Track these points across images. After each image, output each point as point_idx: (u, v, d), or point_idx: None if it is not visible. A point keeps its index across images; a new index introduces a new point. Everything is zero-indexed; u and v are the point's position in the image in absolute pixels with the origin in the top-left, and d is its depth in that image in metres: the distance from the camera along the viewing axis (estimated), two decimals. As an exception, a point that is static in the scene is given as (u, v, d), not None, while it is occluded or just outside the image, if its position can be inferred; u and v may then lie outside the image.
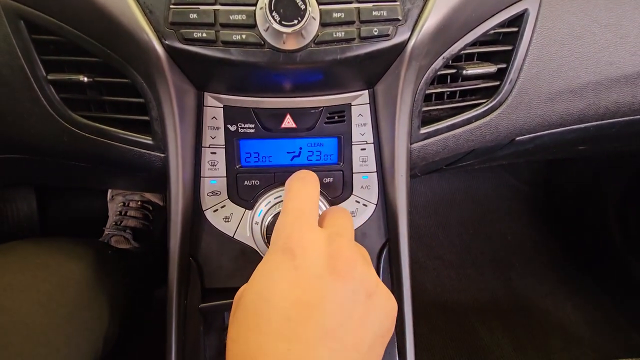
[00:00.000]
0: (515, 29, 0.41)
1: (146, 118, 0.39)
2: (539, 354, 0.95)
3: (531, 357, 0.95)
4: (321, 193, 0.43)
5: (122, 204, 1.01)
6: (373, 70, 0.35)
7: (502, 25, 0.41)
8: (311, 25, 0.29)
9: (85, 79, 0.37)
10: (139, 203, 1.02)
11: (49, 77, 0.37)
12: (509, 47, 0.42)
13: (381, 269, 0.46)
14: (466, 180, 1.23)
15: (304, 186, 0.32)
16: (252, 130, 0.40)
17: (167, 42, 0.30)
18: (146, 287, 0.75)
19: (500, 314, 1.03)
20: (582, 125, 0.50)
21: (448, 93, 0.44)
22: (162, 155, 0.40)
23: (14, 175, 0.59)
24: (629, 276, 1.03)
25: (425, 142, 0.43)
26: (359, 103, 0.40)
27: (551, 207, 1.20)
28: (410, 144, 0.41)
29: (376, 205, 0.44)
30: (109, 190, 1.04)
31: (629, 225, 1.04)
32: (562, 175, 1.19)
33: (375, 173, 0.43)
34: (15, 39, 0.36)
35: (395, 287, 0.45)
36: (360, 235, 0.45)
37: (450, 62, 0.41)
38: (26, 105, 0.39)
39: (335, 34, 0.30)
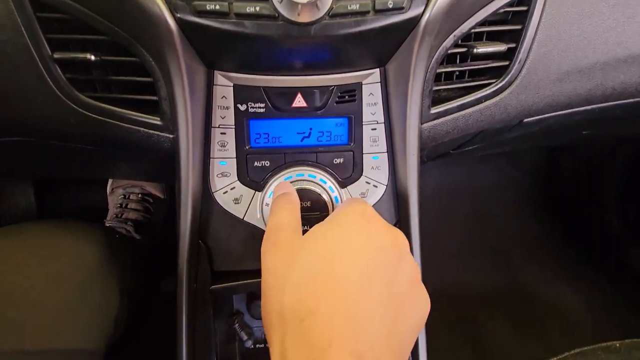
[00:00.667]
0: (524, 8, 0.41)
1: (154, 98, 0.38)
2: (539, 340, 0.96)
3: (532, 342, 0.96)
4: (331, 174, 0.43)
5: (122, 196, 1.00)
6: (386, 47, 0.35)
7: (511, 4, 0.41)
8: (326, -3, 0.29)
9: (93, 57, 0.36)
10: (140, 195, 1.01)
11: (54, 56, 0.36)
12: (518, 27, 0.42)
13: (391, 251, 0.45)
14: (467, 172, 1.24)
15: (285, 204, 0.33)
16: (262, 110, 0.39)
17: (179, 15, 0.30)
18: (152, 276, 0.74)
19: (501, 302, 1.04)
20: (589, 107, 0.50)
21: (457, 73, 0.44)
22: (171, 136, 0.40)
23: (14, 163, 0.58)
24: (628, 262, 1.04)
25: (436, 122, 0.43)
26: (370, 82, 0.39)
27: (551, 197, 1.21)
28: (421, 123, 0.41)
29: (386, 186, 0.44)
30: (109, 183, 1.03)
31: (627, 212, 1.05)
32: (561, 166, 1.20)
33: (386, 153, 0.43)
34: (19, 16, 0.35)
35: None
36: (370, 217, 0.45)
37: (460, 41, 0.41)
38: (31, 84, 0.38)
39: (350, 6, 0.30)
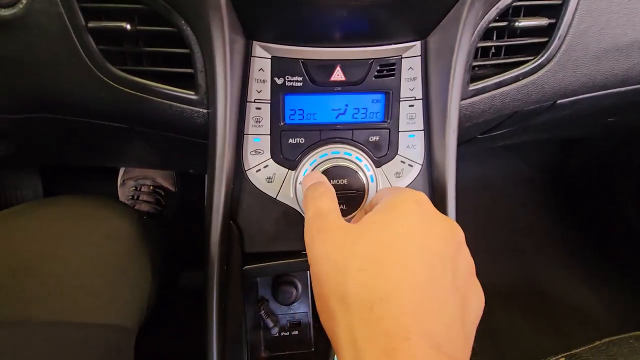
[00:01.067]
0: (565, -18, 0.40)
1: (189, 70, 0.37)
2: (556, 335, 0.95)
3: (548, 338, 0.95)
4: (366, 152, 0.42)
5: (134, 188, 0.99)
6: (433, 14, 0.34)
7: (551, -22, 0.40)
8: (379, -42, 0.28)
9: (128, 27, 0.35)
10: (151, 187, 1.00)
11: (89, 25, 0.35)
12: (558, 2, 0.41)
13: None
14: (479, 167, 1.23)
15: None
16: (299, 84, 0.38)
17: (226, -24, 0.29)
18: (174, 263, 0.73)
19: (516, 297, 1.03)
20: (622, 89, 0.49)
21: (493, 50, 0.43)
22: (205, 110, 0.38)
23: (36, 145, 0.56)
24: (645, 257, 1.03)
25: (474, 99, 0.42)
26: (410, 55, 0.38)
27: (563, 192, 1.20)
28: (460, 100, 0.40)
29: (422, 165, 0.43)
30: (120, 175, 1.02)
31: (643, 206, 1.04)
32: (574, 160, 1.20)
33: (422, 132, 0.42)
34: (53, -17, 0.34)
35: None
36: (405, 197, 0.43)
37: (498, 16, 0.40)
38: (63, 56, 0.37)
39: (403, -33, 0.29)
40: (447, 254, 0.26)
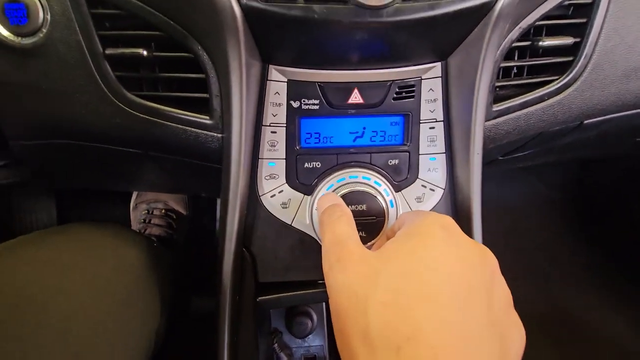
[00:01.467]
0: (589, 1, 0.39)
1: (204, 95, 0.37)
2: (592, 370, 0.88)
3: (583, 372, 0.88)
4: (385, 176, 0.40)
5: (146, 211, 0.99)
6: (455, 34, 0.33)
7: (576, -4, 0.39)
8: (400, -21, 0.27)
9: (145, 53, 0.35)
10: (163, 211, 1.00)
11: (106, 52, 0.35)
12: (582, 20, 0.40)
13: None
14: (496, 188, 1.20)
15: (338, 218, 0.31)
16: (316, 107, 0.37)
17: (245, 1, 0.29)
18: (185, 290, 0.71)
19: (543, 328, 0.96)
20: (653, 108, 0.47)
21: (515, 71, 0.42)
22: (220, 135, 0.38)
23: (50, 170, 0.57)
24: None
25: (498, 120, 0.40)
26: (430, 77, 0.37)
27: (585, 212, 1.15)
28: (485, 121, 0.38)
29: (444, 190, 0.41)
30: (132, 199, 1.02)
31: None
32: (594, 180, 1.15)
33: (444, 154, 0.40)
34: (74, 13, 0.35)
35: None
36: (427, 224, 0.41)
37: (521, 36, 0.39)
38: (80, 83, 0.37)
39: (424, -12, 0.28)
40: (481, 284, 0.23)
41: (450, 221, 0.27)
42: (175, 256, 0.90)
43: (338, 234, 0.29)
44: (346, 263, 0.26)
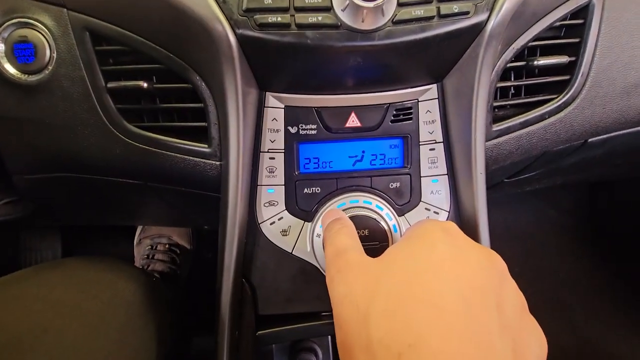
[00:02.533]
0: (580, 21, 0.40)
1: (203, 124, 0.37)
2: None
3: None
4: (387, 200, 0.39)
5: (149, 247, 0.98)
6: (448, 56, 0.33)
7: (564, 18, 0.40)
8: (390, 4, 0.28)
9: (145, 85, 0.36)
10: (167, 246, 0.99)
11: (108, 86, 0.36)
12: (576, 40, 0.40)
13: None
14: (503, 213, 1.17)
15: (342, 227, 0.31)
16: (313, 132, 0.37)
17: (240, 31, 0.29)
18: (184, 328, 0.69)
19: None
20: (659, 124, 0.46)
21: (512, 91, 0.42)
22: (218, 162, 0.38)
23: (52, 205, 0.57)
24: None
25: (499, 140, 0.40)
26: (427, 98, 0.37)
27: (602, 238, 1.11)
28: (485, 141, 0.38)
29: (449, 212, 0.39)
30: (137, 234, 1.01)
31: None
32: (606, 203, 1.12)
33: (446, 176, 0.39)
34: (79, 50, 0.36)
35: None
36: (433, 248, 0.40)
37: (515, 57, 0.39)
38: (82, 117, 0.38)
39: (414, 12, 0.29)
40: (488, 287, 0.22)
41: (452, 225, 0.26)
42: (177, 292, 0.87)
43: (338, 246, 0.28)
44: (346, 274, 0.25)
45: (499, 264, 0.24)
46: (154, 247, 0.98)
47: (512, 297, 0.23)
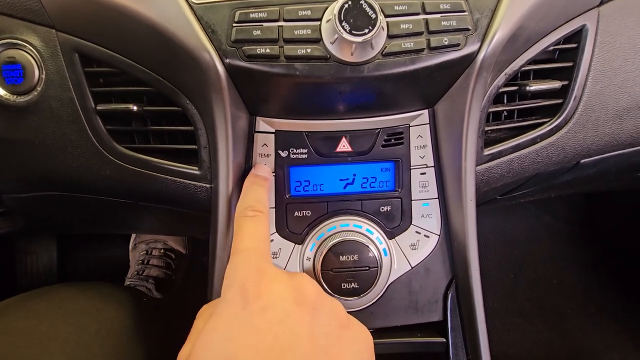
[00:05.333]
0: (574, 45, 0.40)
1: (193, 147, 0.37)
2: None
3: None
4: (377, 223, 0.39)
5: (144, 252, 0.98)
6: (439, 85, 0.33)
7: (558, 42, 0.39)
8: (380, 37, 0.28)
9: (135, 108, 0.36)
10: (162, 251, 0.99)
11: (97, 108, 0.36)
12: (569, 64, 0.40)
13: (449, 311, 0.40)
14: (500, 221, 1.17)
15: (254, 223, 0.31)
16: (304, 156, 0.37)
17: (228, 60, 0.29)
18: (177, 340, 0.69)
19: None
20: (651, 145, 0.46)
21: (505, 113, 0.42)
22: (208, 185, 0.37)
23: (41, 218, 0.57)
24: None
25: (490, 164, 0.39)
26: (418, 123, 0.37)
27: (596, 245, 1.11)
28: (476, 165, 0.38)
29: (439, 236, 0.40)
30: (132, 239, 1.01)
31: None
32: (602, 210, 1.12)
33: (437, 200, 0.39)
34: (68, 72, 0.36)
35: (468, 333, 0.39)
36: (424, 272, 0.40)
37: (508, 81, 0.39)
38: (72, 138, 0.37)
39: (404, 44, 0.29)
40: (298, 325, 0.24)
41: (250, 284, 0.26)
42: (170, 300, 0.87)
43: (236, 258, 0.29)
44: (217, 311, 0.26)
45: (308, 297, 0.26)
46: (149, 252, 0.98)
47: (324, 329, 0.25)
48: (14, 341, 0.32)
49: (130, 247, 1.02)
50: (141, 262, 0.96)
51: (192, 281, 1.01)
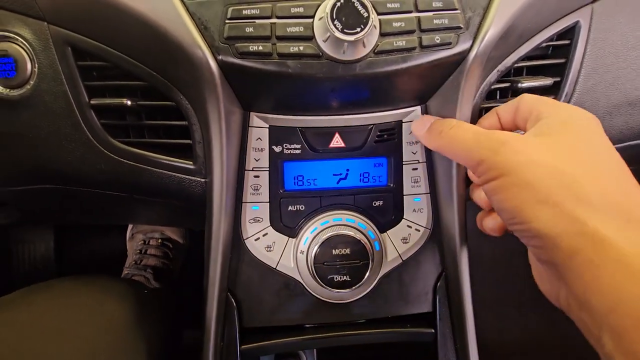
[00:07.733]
0: (566, 42, 0.40)
1: (188, 141, 0.37)
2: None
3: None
4: (370, 218, 0.40)
5: (142, 241, 0.98)
6: (431, 82, 0.33)
7: (551, 39, 0.40)
8: (372, 35, 0.28)
9: (129, 103, 0.36)
10: (159, 241, 0.99)
11: (91, 102, 0.36)
12: (561, 60, 0.40)
13: (437, 305, 0.41)
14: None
15: None
16: (298, 151, 0.37)
17: (220, 57, 0.29)
18: (177, 329, 0.70)
19: (549, 356, 0.93)
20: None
21: (498, 110, 0.42)
22: (203, 180, 0.38)
23: (38, 209, 0.57)
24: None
25: (481, 160, 0.40)
26: (411, 119, 0.37)
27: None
28: (467, 161, 0.38)
29: (430, 230, 0.40)
30: (129, 229, 1.02)
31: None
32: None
33: (428, 195, 0.40)
34: (61, 65, 0.36)
35: (456, 327, 0.40)
36: (414, 265, 0.41)
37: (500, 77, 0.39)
38: (66, 132, 0.37)
39: (396, 43, 0.29)
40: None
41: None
42: (169, 289, 0.88)
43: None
44: None
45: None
46: (147, 242, 0.98)
47: None
48: (17, 334, 0.33)
49: (127, 237, 1.03)
50: (139, 252, 0.97)
51: (190, 271, 1.02)
